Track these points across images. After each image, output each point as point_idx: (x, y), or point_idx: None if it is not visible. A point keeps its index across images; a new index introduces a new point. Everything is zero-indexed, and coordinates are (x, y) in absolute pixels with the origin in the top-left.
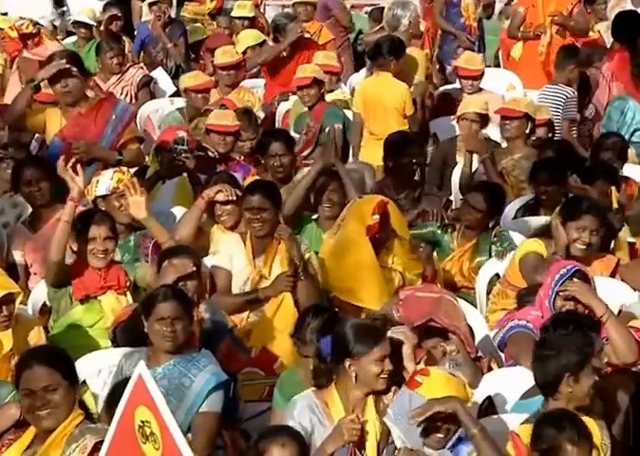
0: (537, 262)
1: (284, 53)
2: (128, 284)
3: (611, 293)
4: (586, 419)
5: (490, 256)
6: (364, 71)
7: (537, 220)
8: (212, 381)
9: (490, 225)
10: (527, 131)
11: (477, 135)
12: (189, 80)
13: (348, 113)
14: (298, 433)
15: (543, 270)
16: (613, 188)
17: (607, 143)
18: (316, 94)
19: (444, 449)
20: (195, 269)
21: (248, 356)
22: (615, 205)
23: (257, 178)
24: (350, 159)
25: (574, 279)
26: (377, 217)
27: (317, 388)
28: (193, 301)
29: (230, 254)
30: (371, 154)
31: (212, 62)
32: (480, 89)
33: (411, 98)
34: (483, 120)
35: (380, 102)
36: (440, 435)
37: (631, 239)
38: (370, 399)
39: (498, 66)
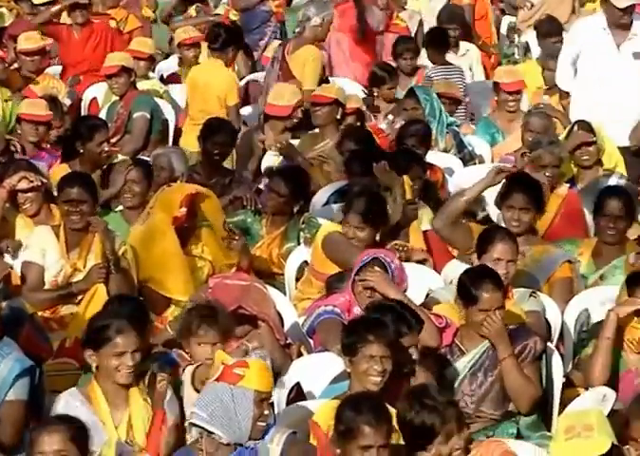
0: (341, 240)
1: (75, 35)
2: None
3: (417, 278)
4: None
5: (299, 243)
6: (172, 58)
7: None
8: (16, 368)
9: (295, 210)
10: (338, 117)
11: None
12: None
13: (160, 102)
14: (71, 419)
15: (349, 246)
16: (406, 177)
17: (410, 130)
18: (125, 82)
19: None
20: None
21: (47, 345)
22: (409, 196)
23: (66, 167)
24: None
25: (375, 268)
26: (184, 209)
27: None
28: None
29: (42, 247)
30: (190, 139)
31: (14, 48)
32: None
33: (238, 88)
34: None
35: (205, 88)
36: (263, 424)
37: (426, 227)
38: (135, 390)
39: None
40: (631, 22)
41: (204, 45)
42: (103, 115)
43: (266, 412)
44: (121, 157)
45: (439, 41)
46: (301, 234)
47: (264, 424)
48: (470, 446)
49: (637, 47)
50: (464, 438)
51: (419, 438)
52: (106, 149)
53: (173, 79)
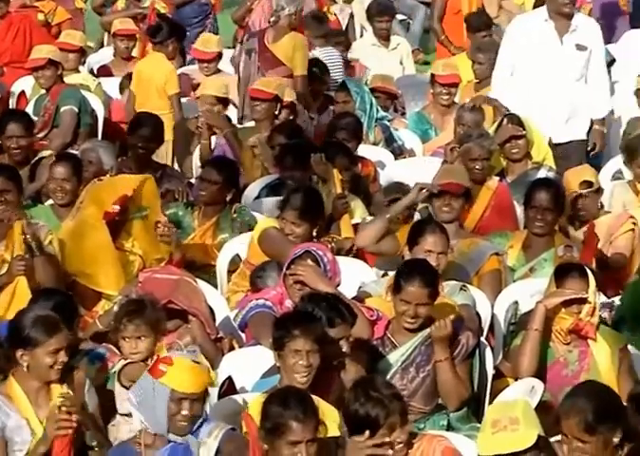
0: (277, 236)
1: None
2: None
3: (349, 271)
4: (315, 397)
5: (232, 233)
6: (105, 50)
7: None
8: None
9: (228, 199)
10: (276, 112)
11: (218, 113)
12: None
13: (89, 95)
14: None
15: (285, 242)
16: (336, 171)
17: (341, 123)
18: (52, 75)
19: (190, 435)
20: None
21: None
22: (339, 190)
23: None
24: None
25: (307, 261)
26: (117, 207)
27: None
28: None
29: None
30: None
31: None
32: (219, 71)
33: (177, 79)
34: (223, 102)
35: (148, 81)
36: (184, 423)
37: (358, 220)
38: (56, 387)
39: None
40: (573, 14)
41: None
42: (30, 109)
43: (184, 412)
44: (49, 151)
45: (317, 21)
46: (233, 223)
47: (184, 423)
48: (413, 440)
49: (580, 39)
50: (407, 431)
51: (362, 429)
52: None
53: (104, 72)
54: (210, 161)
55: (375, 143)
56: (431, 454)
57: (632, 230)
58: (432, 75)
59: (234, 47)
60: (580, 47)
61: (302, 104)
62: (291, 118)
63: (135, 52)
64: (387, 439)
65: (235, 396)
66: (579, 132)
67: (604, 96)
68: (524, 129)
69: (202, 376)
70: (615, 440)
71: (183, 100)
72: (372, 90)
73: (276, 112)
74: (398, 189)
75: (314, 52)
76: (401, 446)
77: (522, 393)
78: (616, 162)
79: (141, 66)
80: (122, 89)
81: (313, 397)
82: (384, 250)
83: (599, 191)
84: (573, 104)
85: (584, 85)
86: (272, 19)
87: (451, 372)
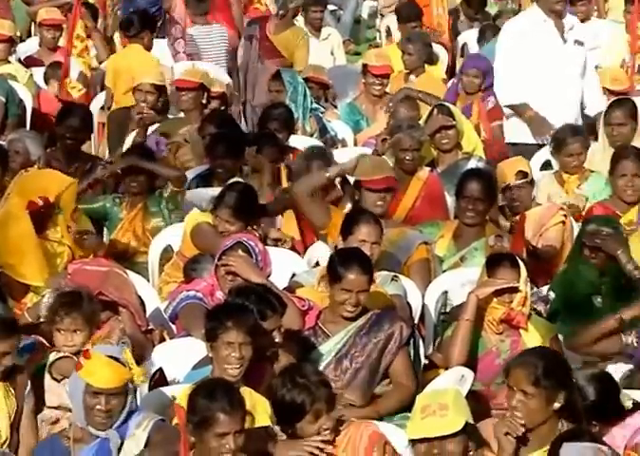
0: (210, 231)
1: None
2: None
3: (281, 262)
4: (244, 389)
5: (164, 219)
6: (32, 40)
7: (212, 192)
8: None
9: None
10: (204, 101)
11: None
12: None
13: (16, 85)
14: None
15: (217, 238)
16: (283, 166)
17: (273, 114)
18: None
19: (111, 430)
20: None
21: None
22: (284, 184)
23: None
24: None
25: (238, 252)
26: (42, 202)
27: None
28: None
29: None
30: None
31: None
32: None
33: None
34: (159, 90)
35: (128, 73)
36: (99, 418)
37: None
38: None
39: None
40: (565, 13)
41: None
42: None
43: (99, 407)
44: None
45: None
46: (164, 210)
47: (99, 417)
48: (340, 427)
49: (577, 35)
50: (334, 418)
51: (289, 415)
52: None
53: (30, 62)
54: (130, 150)
55: (311, 134)
56: (358, 440)
57: (563, 222)
58: (364, 65)
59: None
60: (579, 43)
61: None
62: (223, 108)
63: (61, 42)
64: (312, 426)
65: (165, 388)
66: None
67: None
68: (454, 119)
69: (118, 372)
70: (557, 405)
71: None
72: (305, 80)
73: (204, 101)
74: None
75: (190, 30)
76: (327, 432)
77: (453, 382)
78: (545, 153)
79: (117, 61)
80: (46, 80)
81: (244, 388)
82: (311, 211)
83: (533, 182)
84: (577, 101)
85: (581, 82)
86: (280, 12)
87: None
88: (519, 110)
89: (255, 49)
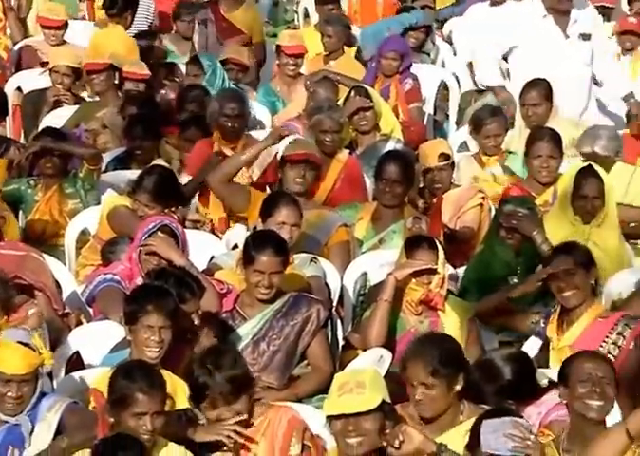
0: (127, 214)
1: None
2: None
3: (200, 244)
4: (163, 372)
5: (81, 200)
6: None
7: (130, 174)
8: None
9: (69, 168)
10: (116, 82)
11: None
12: None
13: None
14: None
15: (135, 221)
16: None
17: (190, 96)
18: None
19: (22, 415)
20: None
21: None
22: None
23: None
24: None
25: (159, 233)
26: None
27: None
28: None
29: None
30: None
31: None
32: (64, 42)
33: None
34: (75, 73)
35: (105, 53)
36: (10, 404)
37: None
38: None
39: None
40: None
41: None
42: None
43: (10, 394)
44: None
45: None
46: (80, 191)
47: (10, 404)
48: (259, 410)
49: (583, 28)
50: (249, 401)
51: (200, 397)
52: None
53: None
54: (48, 132)
55: None
56: (277, 424)
57: (481, 204)
58: (278, 46)
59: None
60: (585, 37)
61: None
62: (145, 89)
63: None
64: (213, 414)
65: (81, 371)
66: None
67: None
68: (372, 101)
69: (28, 358)
70: (458, 387)
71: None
72: (224, 62)
73: (116, 81)
74: None
75: None
76: (238, 416)
77: (371, 363)
78: (461, 135)
79: (99, 39)
80: None
81: (163, 371)
82: (229, 195)
83: (453, 164)
84: (584, 95)
85: (588, 75)
86: None
87: None
88: (496, 91)
89: (213, 32)
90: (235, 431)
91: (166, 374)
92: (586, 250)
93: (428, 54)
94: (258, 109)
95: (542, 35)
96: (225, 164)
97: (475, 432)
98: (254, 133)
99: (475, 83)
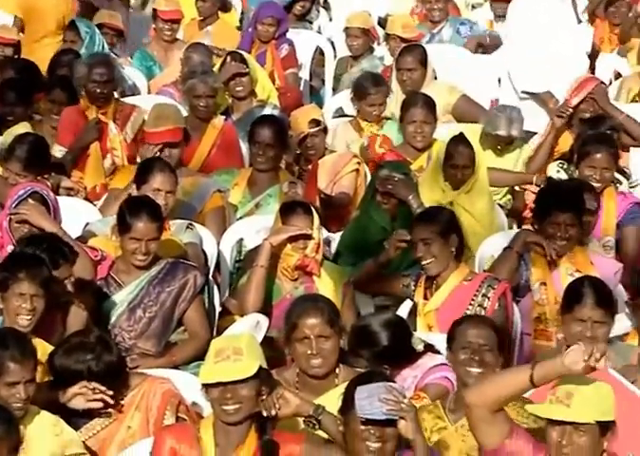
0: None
1: None
2: None
3: (75, 211)
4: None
5: None
6: None
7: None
8: None
9: None
10: None
11: None
12: None
13: None
14: None
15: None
16: None
17: (62, 61)
18: None
19: None
20: None
21: None
22: None
23: None
24: None
25: (29, 200)
26: None
27: None
28: None
29: None
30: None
31: None
32: None
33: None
34: None
35: (42, 12)
36: None
37: None
38: None
39: None
40: None
41: None
42: None
43: None
44: None
45: None
46: None
47: None
48: (135, 381)
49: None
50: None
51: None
52: None
53: None
54: None
55: None
56: (152, 396)
57: (357, 170)
58: (154, 10)
59: None
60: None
61: None
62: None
63: None
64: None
65: None
66: None
67: None
68: (248, 67)
69: None
70: (342, 342)
71: None
72: (99, 26)
73: None
74: None
75: None
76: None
77: (248, 328)
78: (337, 100)
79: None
80: None
81: (36, 339)
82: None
83: (326, 130)
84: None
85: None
86: None
87: None
88: (543, 98)
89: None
90: (102, 397)
91: (38, 342)
92: (447, 218)
93: (311, 22)
94: (133, 74)
95: (559, 20)
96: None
97: (347, 397)
98: (129, 99)
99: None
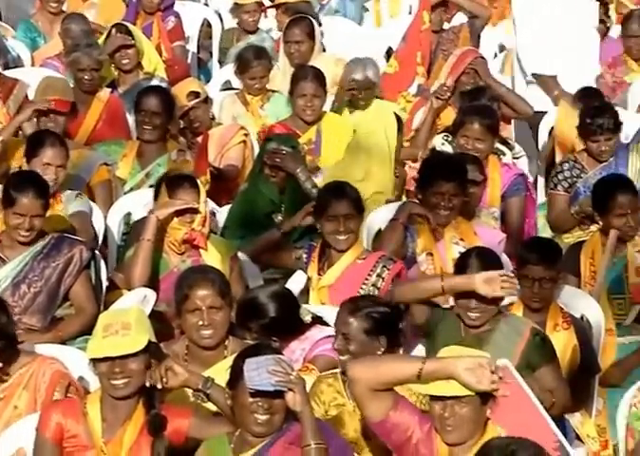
0: None
1: None
2: None
3: None
4: None
5: None
6: None
7: None
8: None
9: None
10: None
11: None
12: None
13: None
14: None
15: None
16: None
17: None
18: None
19: None
20: None
21: None
22: None
23: None
24: None
25: None
26: None
27: None
28: None
29: None
30: None
31: None
32: None
33: None
34: None
35: None
36: None
37: None
38: None
39: None
40: None
41: None
42: None
43: None
44: None
45: None
46: None
47: None
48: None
49: None
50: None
51: None
52: None
53: None
54: None
55: None
56: (40, 376)
57: (244, 142)
58: None
59: None
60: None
61: None
62: None
63: None
64: None
65: None
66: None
67: None
68: (133, 39)
69: None
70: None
71: None
72: None
73: None
74: None
75: None
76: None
77: (136, 302)
78: (225, 73)
79: None
80: None
81: None
82: None
83: (207, 101)
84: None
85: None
86: None
87: None
88: (548, 84)
89: None
90: None
91: None
92: (358, 194)
93: None
94: (17, 46)
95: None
96: None
97: (236, 369)
98: (12, 71)
99: None
